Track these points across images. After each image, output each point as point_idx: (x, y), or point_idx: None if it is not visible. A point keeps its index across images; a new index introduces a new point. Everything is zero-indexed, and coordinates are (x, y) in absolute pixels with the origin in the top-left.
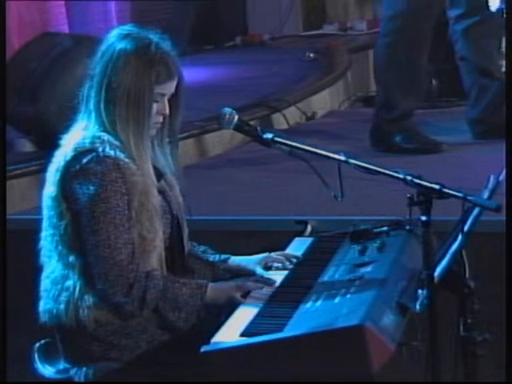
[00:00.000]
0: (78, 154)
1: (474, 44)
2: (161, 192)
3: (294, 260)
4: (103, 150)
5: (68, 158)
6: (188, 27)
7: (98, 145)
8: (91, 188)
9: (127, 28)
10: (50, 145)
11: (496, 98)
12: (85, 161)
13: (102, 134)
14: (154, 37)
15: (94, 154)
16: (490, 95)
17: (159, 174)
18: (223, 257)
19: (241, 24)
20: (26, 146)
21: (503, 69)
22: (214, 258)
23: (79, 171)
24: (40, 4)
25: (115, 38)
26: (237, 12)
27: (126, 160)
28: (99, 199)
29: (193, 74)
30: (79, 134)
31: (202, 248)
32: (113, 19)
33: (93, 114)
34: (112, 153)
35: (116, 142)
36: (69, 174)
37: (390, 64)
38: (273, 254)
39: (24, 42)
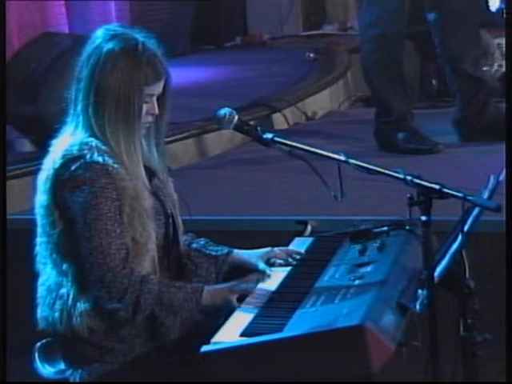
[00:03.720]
0: (67, 162)
1: (451, 47)
2: (154, 192)
3: (297, 256)
4: (91, 157)
5: (57, 165)
6: (188, 27)
7: (86, 151)
8: (81, 195)
9: (112, 28)
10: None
11: (476, 99)
12: (73, 168)
13: (90, 139)
14: (139, 36)
15: (82, 160)
16: (471, 97)
17: (151, 174)
18: (225, 250)
19: (241, 24)
20: (26, 146)
21: (503, 69)
22: (216, 251)
23: (68, 179)
24: (40, 4)
25: (101, 39)
26: (237, 12)
27: (115, 165)
28: (90, 206)
29: (193, 73)
30: (67, 140)
31: (202, 241)
32: (113, 19)
33: (81, 118)
34: (100, 159)
35: (104, 147)
36: (58, 182)
37: (377, 69)
38: (276, 249)
39: (24, 42)
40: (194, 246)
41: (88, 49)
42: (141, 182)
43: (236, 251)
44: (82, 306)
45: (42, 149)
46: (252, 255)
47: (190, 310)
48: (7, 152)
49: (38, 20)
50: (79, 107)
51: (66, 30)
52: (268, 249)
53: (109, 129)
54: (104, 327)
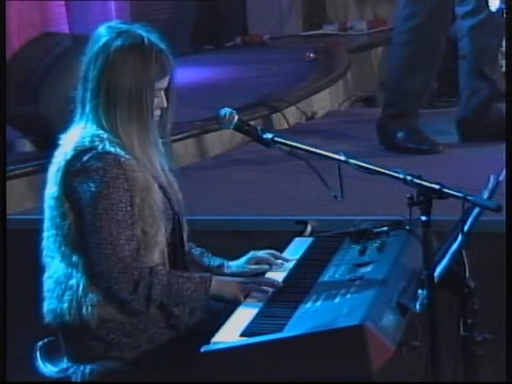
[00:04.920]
0: (79, 153)
1: (476, 43)
2: (161, 188)
3: (282, 261)
4: (103, 147)
5: (68, 157)
6: (188, 27)
7: (97, 143)
8: (93, 185)
9: (115, 25)
10: (49, 145)
11: (486, 101)
12: (85, 159)
13: (101, 132)
14: (143, 32)
15: (94, 151)
16: (481, 98)
17: None
18: (217, 263)
19: (241, 24)
20: (26, 146)
21: (503, 69)
22: (208, 263)
23: (80, 169)
24: (40, 4)
25: (107, 37)
26: (237, 12)
27: (127, 156)
28: (101, 196)
29: (193, 73)
30: (78, 133)
31: (198, 251)
32: (113, 19)
33: (90, 117)
34: (112, 149)
35: (115, 139)
36: (70, 173)
37: (404, 62)
38: (260, 253)
39: (24, 41)
40: (190, 256)
41: (94, 48)
42: (156, 173)
43: (227, 264)
44: (93, 296)
45: (42, 149)
46: (240, 264)
47: (199, 300)
48: (7, 152)
49: (38, 20)
50: (88, 107)
51: (66, 29)
52: (250, 254)
53: (121, 127)
54: (114, 317)
